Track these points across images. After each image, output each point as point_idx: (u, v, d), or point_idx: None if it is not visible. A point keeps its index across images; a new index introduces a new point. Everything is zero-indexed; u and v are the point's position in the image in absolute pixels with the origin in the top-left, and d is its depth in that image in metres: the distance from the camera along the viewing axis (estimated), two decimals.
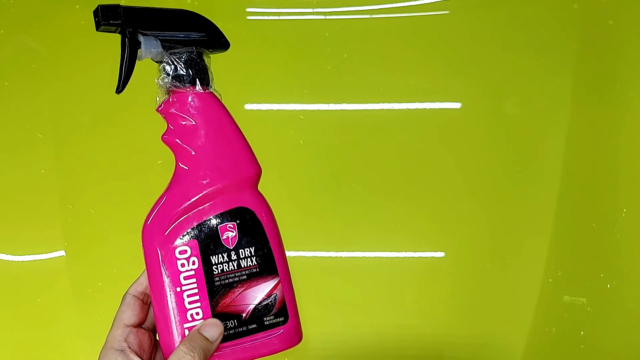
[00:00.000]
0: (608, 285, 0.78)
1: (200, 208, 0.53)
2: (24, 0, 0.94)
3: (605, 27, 0.88)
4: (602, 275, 0.79)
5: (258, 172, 0.56)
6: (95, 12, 0.54)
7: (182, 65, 0.54)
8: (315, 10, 0.92)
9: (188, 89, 0.54)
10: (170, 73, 0.55)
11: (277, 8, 0.92)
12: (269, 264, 0.54)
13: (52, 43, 0.93)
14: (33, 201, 0.86)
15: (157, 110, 0.56)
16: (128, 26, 0.54)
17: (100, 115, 0.90)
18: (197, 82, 0.54)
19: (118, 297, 0.83)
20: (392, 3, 0.91)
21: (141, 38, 0.54)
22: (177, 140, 0.54)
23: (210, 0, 0.94)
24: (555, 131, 0.85)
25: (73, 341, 0.81)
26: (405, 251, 0.83)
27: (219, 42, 0.57)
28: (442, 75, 0.89)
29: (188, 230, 0.53)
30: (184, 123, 0.54)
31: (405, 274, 0.82)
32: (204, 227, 0.53)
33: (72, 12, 0.93)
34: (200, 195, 0.53)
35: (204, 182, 0.53)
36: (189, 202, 0.53)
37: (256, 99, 0.90)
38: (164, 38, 0.55)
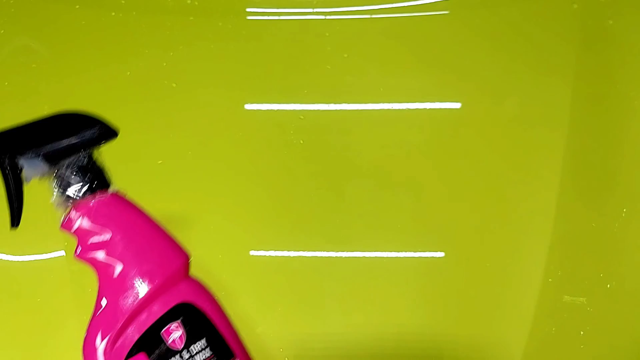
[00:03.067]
0: (608, 285, 0.78)
1: (138, 319, 0.51)
2: (24, 0, 0.94)
3: (605, 27, 0.88)
4: (602, 275, 0.79)
5: (186, 260, 0.54)
6: None
7: (74, 177, 0.51)
8: (315, 10, 0.92)
9: (88, 200, 0.51)
10: (64, 189, 0.51)
11: (277, 8, 0.92)
12: (224, 349, 0.53)
13: (52, 43, 0.93)
14: (33, 201, 0.86)
15: (60, 228, 0.52)
16: (2, 154, 0.49)
17: (100, 115, 0.90)
18: (95, 189, 0.51)
19: None
20: (392, 3, 0.91)
21: (21, 161, 0.49)
22: (92, 256, 0.51)
23: (210, 0, 0.94)
24: (555, 131, 0.85)
25: (73, 341, 0.81)
26: (405, 251, 0.83)
27: (106, 133, 0.53)
28: (442, 75, 0.89)
29: (132, 346, 0.50)
30: (94, 237, 0.51)
31: (405, 274, 0.82)
32: (148, 338, 0.50)
33: (72, 12, 0.93)
34: (134, 307, 0.50)
35: (134, 292, 0.50)
36: (124, 319, 0.50)
37: (256, 99, 0.90)
38: (45, 154, 0.50)
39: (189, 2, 0.93)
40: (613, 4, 0.89)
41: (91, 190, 0.51)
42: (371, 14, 0.91)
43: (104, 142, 0.53)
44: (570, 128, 0.85)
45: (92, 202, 0.51)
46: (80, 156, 0.51)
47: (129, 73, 0.91)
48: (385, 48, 0.91)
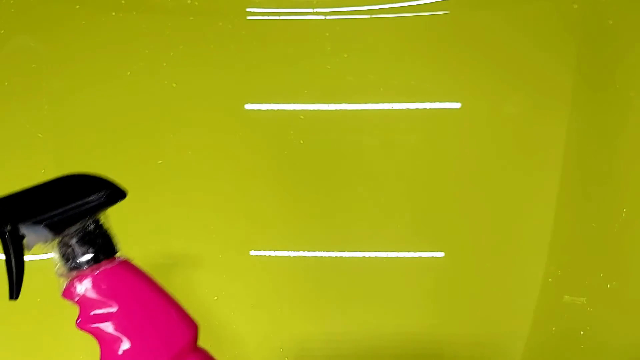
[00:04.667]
0: (608, 285, 0.78)
1: None
2: (24, 0, 0.94)
3: (605, 27, 0.88)
4: (602, 275, 0.79)
5: (195, 332, 0.50)
6: None
7: (79, 245, 0.47)
8: (315, 10, 0.92)
9: (93, 270, 0.47)
10: (68, 258, 0.48)
11: (277, 8, 0.92)
12: None
13: (52, 43, 0.93)
14: None
15: (63, 296, 0.49)
16: (3, 223, 0.45)
17: (101, 116, 0.90)
18: (101, 257, 0.47)
19: None
20: (392, 3, 0.91)
21: (22, 229, 0.46)
22: (95, 327, 0.48)
23: (210, 0, 0.94)
24: (555, 131, 0.85)
25: (73, 341, 0.81)
26: (405, 251, 0.83)
27: (114, 195, 0.49)
28: (442, 75, 0.89)
29: None
30: (98, 309, 0.47)
31: (405, 274, 0.82)
32: None
33: (72, 12, 0.93)
34: None
35: None
36: None
37: (256, 99, 0.90)
38: (48, 221, 0.46)
39: (189, 2, 0.93)
40: (613, 4, 0.89)
41: (96, 260, 0.48)
42: (371, 14, 0.91)
43: (111, 205, 0.49)
44: (570, 128, 0.85)
45: (97, 271, 0.47)
46: (86, 222, 0.48)
47: (129, 73, 0.90)
48: (385, 48, 0.91)
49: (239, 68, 0.91)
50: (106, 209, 0.49)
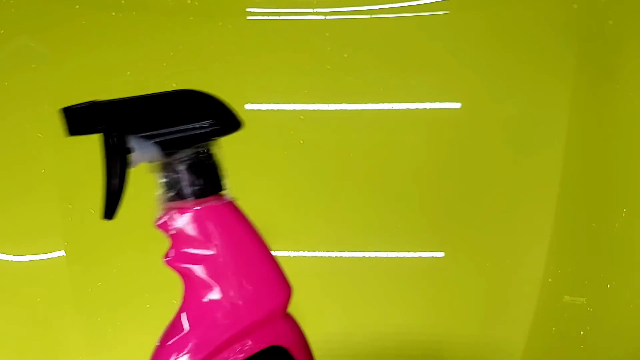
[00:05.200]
0: (608, 285, 0.78)
1: (221, 355, 0.43)
2: (24, 0, 0.94)
3: (605, 27, 0.88)
4: (601, 275, 0.79)
5: (289, 297, 0.46)
6: (65, 117, 0.40)
7: (187, 174, 0.42)
8: (315, 10, 0.91)
9: (196, 203, 0.43)
10: (172, 184, 0.43)
11: (277, 8, 0.92)
12: None
13: (52, 43, 0.93)
14: (33, 201, 0.86)
15: (156, 226, 0.45)
16: (114, 130, 0.40)
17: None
18: (207, 191, 0.43)
19: (118, 297, 0.84)
20: (392, 3, 0.91)
21: (133, 141, 0.41)
22: (186, 267, 0.43)
23: (210, 0, 0.94)
24: (555, 131, 0.85)
25: (73, 341, 0.81)
26: (405, 251, 0.83)
27: (231, 124, 0.45)
28: (442, 75, 0.89)
29: None
30: (193, 247, 0.43)
31: (405, 274, 0.82)
32: None
33: (72, 12, 0.93)
34: (221, 341, 0.43)
35: (225, 324, 0.43)
36: (206, 353, 0.43)
37: (256, 99, 0.90)
38: (161, 141, 0.42)
39: (189, 2, 0.93)
40: (613, 4, 0.89)
41: (203, 193, 0.43)
42: (371, 14, 0.91)
43: (226, 134, 0.44)
44: (570, 128, 0.84)
45: (201, 206, 0.43)
46: (199, 149, 0.43)
47: (129, 73, 0.90)
48: (385, 48, 0.91)
49: (239, 68, 0.91)
50: (220, 137, 0.44)
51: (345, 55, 0.91)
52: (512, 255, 0.81)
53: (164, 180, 0.43)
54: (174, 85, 0.90)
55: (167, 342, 0.44)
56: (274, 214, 0.84)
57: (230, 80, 0.90)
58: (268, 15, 0.93)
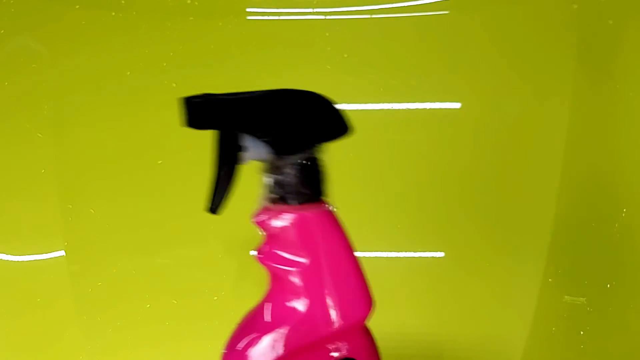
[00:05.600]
0: (608, 285, 0.78)
1: (296, 358, 0.43)
2: (24, 0, 0.94)
3: (605, 27, 0.88)
4: (601, 275, 0.79)
5: (371, 311, 0.45)
6: (186, 108, 0.42)
7: (294, 178, 0.42)
8: (315, 10, 0.91)
9: (299, 208, 0.43)
10: (277, 187, 0.43)
11: (277, 8, 0.92)
12: None
13: (52, 43, 0.93)
14: (33, 201, 0.86)
15: (255, 221, 0.44)
16: (231, 128, 0.41)
17: (100, 114, 0.89)
18: (311, 197, 0.43)
19: (117, 297, 0.84)
20: (392, 3, 0.91)
21: (246, 140, 0.42)
22: (277, 267, 0.43)
23: (210, 0, 0.94)
24: (555, 131, 0.85)
25: (73, 341, 0.81)
26: (405, 251, 0.83)
27: (339, 129, 0.44)
28: (442, 75, 0.89)
29: None
30: (289, 251, 0.43)
31: (405, 274, 0.82)
32: None
33: (72, 12, 0.93)
34: (298, 346, 0.43)
35: (306, 330, 0.42)
36: (282, 354, 0.43)
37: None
38: (273, 142, 0.41)
39: (188, 2, 0.93)
40: (613, 4, 0.89)
41: (306, 198, 0.43)
42: (371, 14, 0.91)
43: (335, 139, 0.44)
44: (570, 128, 0.84)
45: (302, 212, 0.42)
46: (308, 154, 0.43)
47: (129, 73, 0.90)
48: (385, 48, 0.91)
49: (239, 68, 0.91)
50: (330, 142, 0.43)
51: (345, 55, 0.90)
52: (512, 255, 0.81)
53: (270, 180, 0.43)
54: (174, 85, 0.91)
55: (240, 338, 0.44)
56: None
57: (229, 80, 0.90)
58: (268, 15, 0.93)
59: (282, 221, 0.43)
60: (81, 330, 0.81)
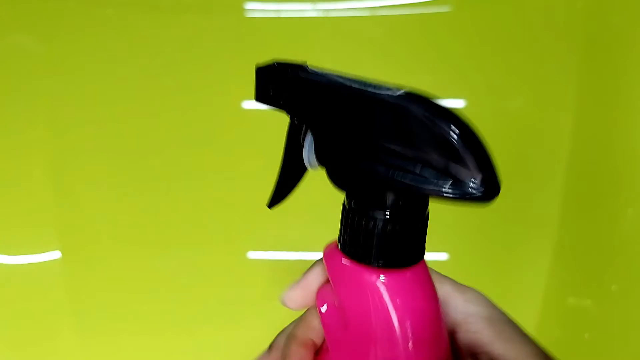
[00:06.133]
0: (612, 287, 0.77)
1: None
2: None
3: (610, 26, 0.88)
4: (606, 276, 0.78)
5: None
6: (258, 75, 0.32)
7: (386, 235, 0.31)
8: (315, 7, 0.91)
9: (382, 273, 0.33)
10: (360, 238, 0.32)
11: (276, 4, 0.91)
12: None
13: (48, 41, 0.92)
14: (29, 201, 0.85)
15: (324, 259, 0.36)
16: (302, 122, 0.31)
17: (98, 115, 0.89)
18: (398, 264, 0.32)
19: (114, 297, 0.83)
20: (393, 0, 0.91)
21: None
22: (331, 328, 0.35)
23: None
24: (559, 130, 0.84)
25: (69, 342, 0.80)
26: None
27: (492, 190, 0.29)
28: (445, 74, 0.88)
29: None
30: (354, 318, 0.33)
31: None
32: None
33: (69, 10, 0.92)
34: None
35: None
36: None
37: (254, 97, 0.89)
38: (380, 179, 0.30)
39: None
40: (617, 1, 0.88)
41: (391, 264, 0.32)
42: (372, 11, 0.90)
43: (477, 203, 0.29)
44: (574, 126, 0.84)
45: (384, 280, 0.32)
46: (424, 210, 0.31)
47: (128, 72, 0.90)
48: (386, 45, 0.90)
49: (238, 65, 0.90)
50: (458, 202, 0.28)
51: (345, 54, 0.90)
52: (516, 257, 0.80)
53: (357, 226, 0.33)
54: (174, 85, 0.90)
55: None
56: (272, 214, 0.83)
57: (228, 78, 0.89)
58: (267, 12, 0.92)
59: (359, 284, 0.33)
60: (77, 331, 0.80)
